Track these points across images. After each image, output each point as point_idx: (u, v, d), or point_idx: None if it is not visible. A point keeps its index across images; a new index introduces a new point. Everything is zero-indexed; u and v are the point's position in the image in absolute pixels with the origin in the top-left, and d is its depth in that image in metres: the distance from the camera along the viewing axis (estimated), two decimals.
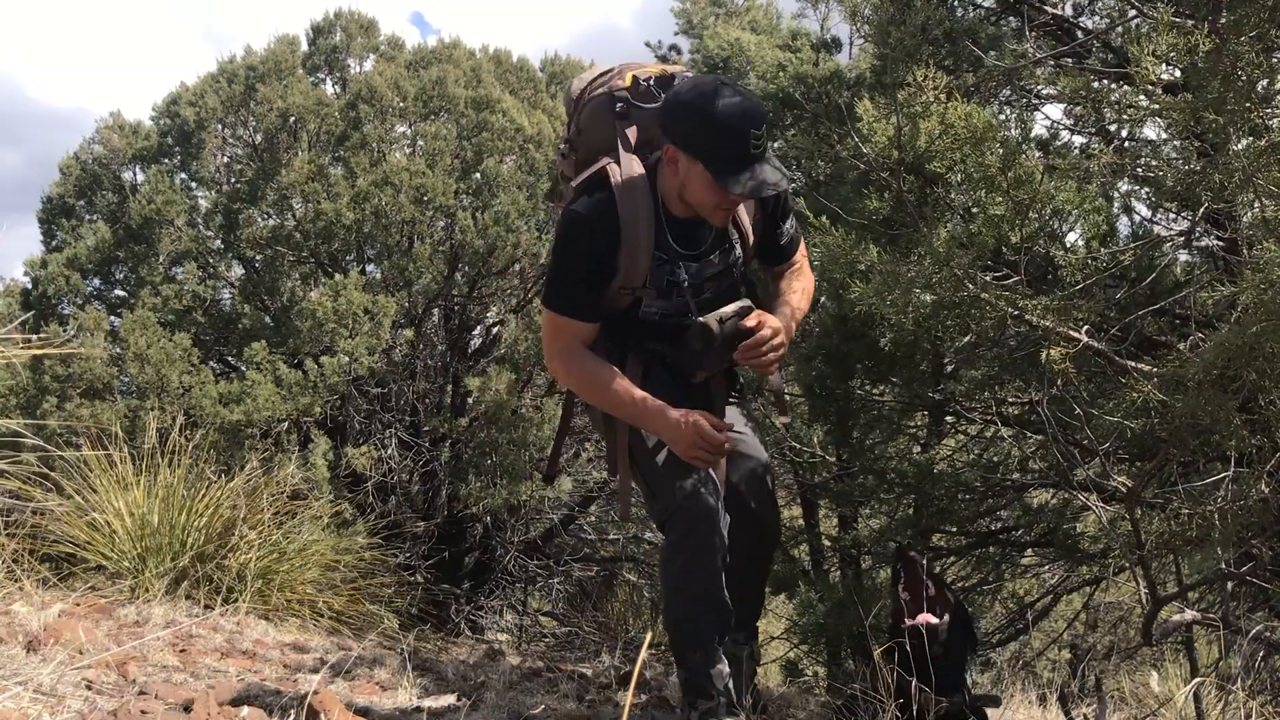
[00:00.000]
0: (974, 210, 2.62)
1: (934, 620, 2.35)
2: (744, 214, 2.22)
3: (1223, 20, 2.02)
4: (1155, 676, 2.36)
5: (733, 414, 2.32)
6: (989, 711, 2.54)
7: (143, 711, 2.11)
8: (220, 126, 6.93)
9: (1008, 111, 3.47)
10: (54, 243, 7.14)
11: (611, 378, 2.10)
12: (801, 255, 2.36)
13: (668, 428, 2.05)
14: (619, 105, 2.16)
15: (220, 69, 7.11)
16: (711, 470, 2.13)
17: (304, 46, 7.27)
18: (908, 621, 2.35)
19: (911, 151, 2.63)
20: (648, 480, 2.18)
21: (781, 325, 2.11)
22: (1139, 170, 2.73)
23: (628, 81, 2.18)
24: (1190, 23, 2.26)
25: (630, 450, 2.20)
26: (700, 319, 2.10)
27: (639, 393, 2.09)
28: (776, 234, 2.27)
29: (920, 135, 2.46)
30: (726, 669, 2.14)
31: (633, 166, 2.11)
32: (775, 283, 2.33)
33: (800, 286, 2.30)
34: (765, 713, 2.54)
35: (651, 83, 2.18)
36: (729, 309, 2.10)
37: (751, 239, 2.24)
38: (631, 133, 2.15)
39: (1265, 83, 2.10)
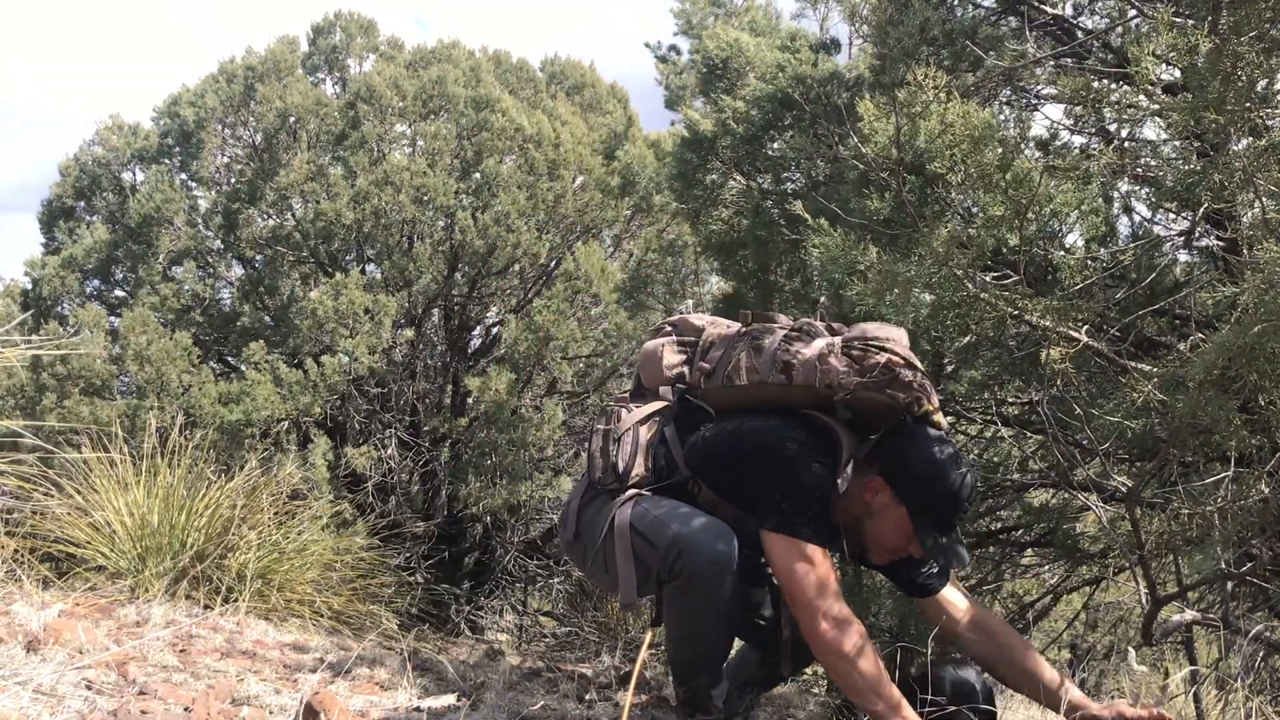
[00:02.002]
0: (974, 210, 2.62)
1: None
2: None
3: (1223, 20, 2.02)
4: (1133, 655, 2.35)
5: None
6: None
7: (143, 711, 2.11)
8: (220, 126, 6.93)
9: (1007, 112, 3.47)
10: (54, 244, 7.15)
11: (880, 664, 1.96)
12: (956, 582, 2.27)
13: None
14: (907, 425, 2.05)
15: (220, 69, 7.12)
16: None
17: (304, 47, 7.28)
18: None
19: (911, 151, 2.63)
20: (645, 535, 2.01)
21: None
22: (1139, 170, 2.72)
23: (923, 406, 2.03)
24: (1190, 23, 2.27)
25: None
26: None
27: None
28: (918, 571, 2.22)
29: (920, 135, 2.46)
30: (726, 685, 2.15)
31: (849, 474, 2.04)
32: (981, 632, 2.22)
33: (1021, 641, 2.24)
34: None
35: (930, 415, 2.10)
36: None
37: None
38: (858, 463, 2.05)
39: (1265, 83, 2.10)
